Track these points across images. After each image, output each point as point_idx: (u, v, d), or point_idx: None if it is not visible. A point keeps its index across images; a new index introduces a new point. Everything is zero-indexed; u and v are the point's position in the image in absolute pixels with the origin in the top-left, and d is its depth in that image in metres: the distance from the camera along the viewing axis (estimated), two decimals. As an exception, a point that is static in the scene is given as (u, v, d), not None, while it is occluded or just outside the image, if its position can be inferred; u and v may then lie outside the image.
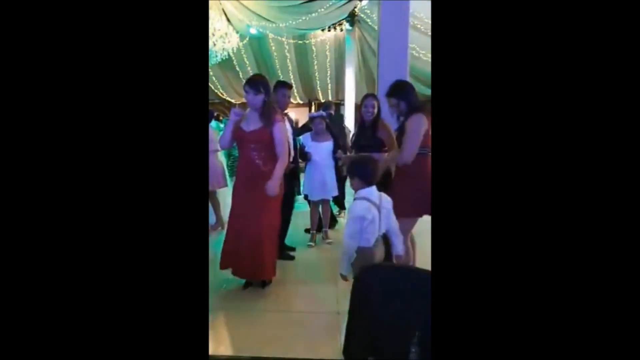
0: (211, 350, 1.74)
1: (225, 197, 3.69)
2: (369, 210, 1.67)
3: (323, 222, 3.41)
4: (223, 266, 2.36)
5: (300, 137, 3.32)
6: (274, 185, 2.24)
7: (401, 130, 2.22)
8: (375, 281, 0.96)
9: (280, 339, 1.84)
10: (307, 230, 3.49)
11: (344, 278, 1.77)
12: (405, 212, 2.20)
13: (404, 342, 0.85)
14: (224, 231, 3.36)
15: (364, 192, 1.72)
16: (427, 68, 5.91)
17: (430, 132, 2.16)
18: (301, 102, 10.08)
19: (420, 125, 2.10)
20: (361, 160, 1.95)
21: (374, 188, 1.74)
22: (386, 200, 1.78)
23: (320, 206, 3.34)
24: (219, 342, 1.88)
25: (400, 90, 2.26)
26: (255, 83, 2.30)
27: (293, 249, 3.13)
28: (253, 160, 2.29)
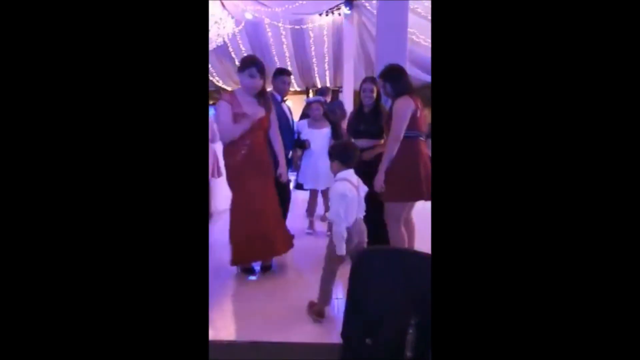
0: (212, 336, 1.77)
1: (218, 188, 3.65)
2: (350, 189, 1.76)
3: (325, 208, 3.34)
4: (236, 263, 2.34)
5: (296, 124, 3.27)
6: (285, 171, 2.41)
7: (389, 114, 2.22)
8: (373, 264, 0.96)
9: (280, 325, 1.87)
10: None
11: (339, 259, 1.81)
12: (395, 197, 2.20)
13: (402, 324, 0.86)
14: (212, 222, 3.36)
15: (344, 173, 1.81)
16: (426, 53, 5.83)
17: (419, 116, 2.17)
18: (298, 89, 9.96)
19: (406, 108, 2.12)
20: (341, 144, 2.04)
21: (352, 171, 1.84)
22: (363, 185, 1.90)
23: (321, 194, 3.26)
24: (218, 328, 1.90)
25: (388, 72, 2.26)
26: (261, 66, 2.25)
27: (292, 237, 3.14)
28: (260, 147, 2.28)
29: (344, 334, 0.99)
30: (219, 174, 3.59)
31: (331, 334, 1.72)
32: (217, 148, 3.80)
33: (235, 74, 9.70)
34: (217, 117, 2.28)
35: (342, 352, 1.00)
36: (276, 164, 2.48)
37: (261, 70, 2.23)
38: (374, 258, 0.97)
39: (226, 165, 2.36)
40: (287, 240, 2.46)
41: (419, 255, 0.98)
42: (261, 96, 2.27)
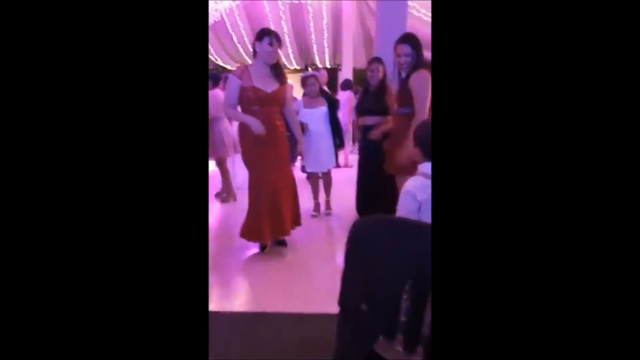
0: (215, 307, 1.83)
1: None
2: (427, 187, 1.25)
3: (325, 192, 3.29)
4: (243, 236, 2.39)
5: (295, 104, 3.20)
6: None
7: (405, 88, 2.15)
8: (368, 231, 0.98)
9: (284, 296, 1.93)
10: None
11: None
12: (406, 171, 2.22)
13: (396, 290, 0.89)
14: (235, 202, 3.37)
15: (425, 166, 1.32)
16: (426, 29, 5.69)
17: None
18: (297, 67, 9.78)
19: (427, 82, 2.06)
20: (426, 127, 1.39)
21: (430, 164, 1.31)
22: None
23: (321, 176, 3.22)
24: (223, 298, 1.97)
25: (415, 39, 2.18)
26: (278, 35, 2.21)
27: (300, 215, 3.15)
28: (274, 123, 2.26)
29: (340, 301, 1.03)
30: (237, 151, 3.56)
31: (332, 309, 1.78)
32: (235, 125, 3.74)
33: (232, 52, 9.44)
34: (226, 91, 2.23)
35: (338, 319, 1.04)
36: (293, 140, 2.53)
37: (278, 39, 2.19)
38: (369, 227, 0.99)
39: (240, 142, 2.33)
40: (296, 219, 2.53)
41: (413, 223, 1.00)
42: (276, 68, 2.23)
